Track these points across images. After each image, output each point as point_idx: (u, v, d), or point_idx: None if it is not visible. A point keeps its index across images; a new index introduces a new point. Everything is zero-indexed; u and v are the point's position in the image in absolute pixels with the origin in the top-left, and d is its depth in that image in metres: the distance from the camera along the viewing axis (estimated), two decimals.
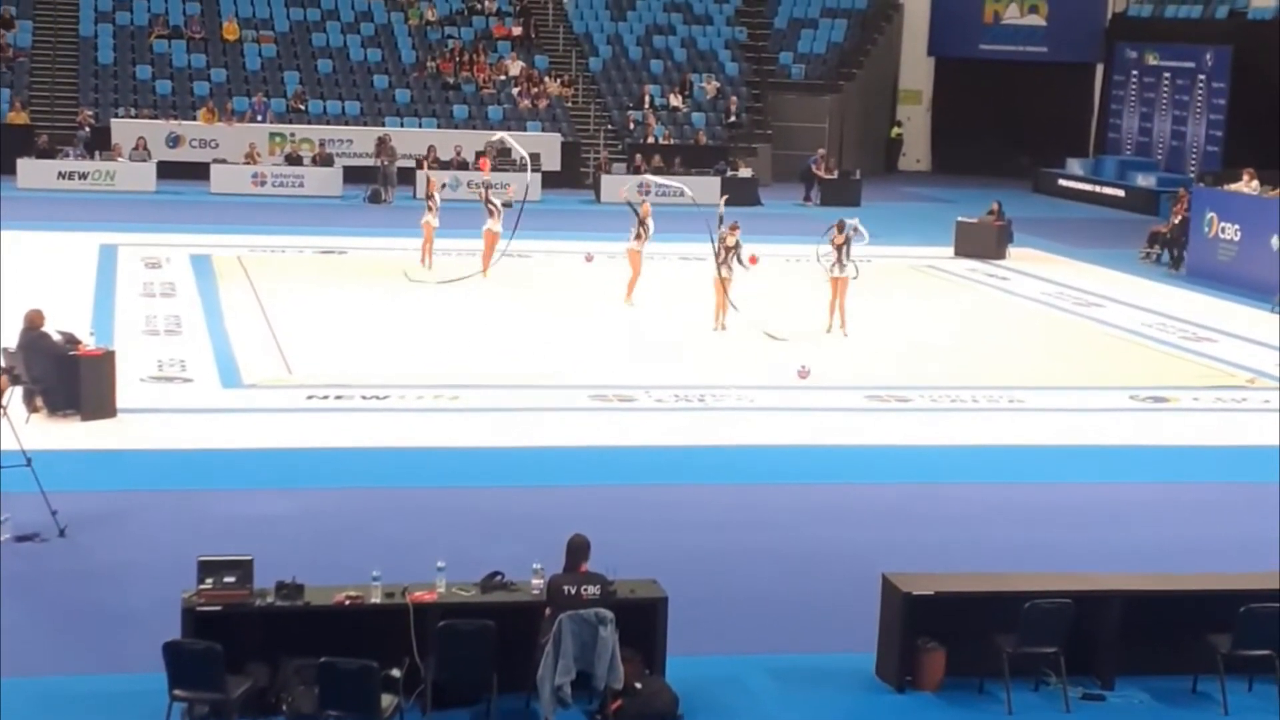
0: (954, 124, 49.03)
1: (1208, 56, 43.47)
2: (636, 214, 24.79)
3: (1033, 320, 25.79)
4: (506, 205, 26.15)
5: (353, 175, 37.60)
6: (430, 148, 38.19)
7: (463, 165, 37.86)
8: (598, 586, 10.48)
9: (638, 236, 24.60)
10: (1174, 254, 31.32)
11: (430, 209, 27.25)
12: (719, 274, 22.85)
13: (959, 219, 32.62)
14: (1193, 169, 42.44)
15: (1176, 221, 31.42)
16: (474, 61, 43.23)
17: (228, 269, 26.80)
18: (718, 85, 44.35)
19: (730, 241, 22.68)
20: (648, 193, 25.50)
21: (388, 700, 9.99)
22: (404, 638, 10.38)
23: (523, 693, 10.56)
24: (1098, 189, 43.24)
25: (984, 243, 31.70)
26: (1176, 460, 17.65)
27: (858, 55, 46.66)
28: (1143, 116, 46.21)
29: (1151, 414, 19.52)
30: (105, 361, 17.37)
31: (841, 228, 22.96)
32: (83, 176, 36.34)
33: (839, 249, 22.81)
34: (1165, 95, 45.26)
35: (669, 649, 10.98)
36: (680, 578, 11.86)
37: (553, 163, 39.68)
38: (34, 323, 17.16)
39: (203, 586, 10.42)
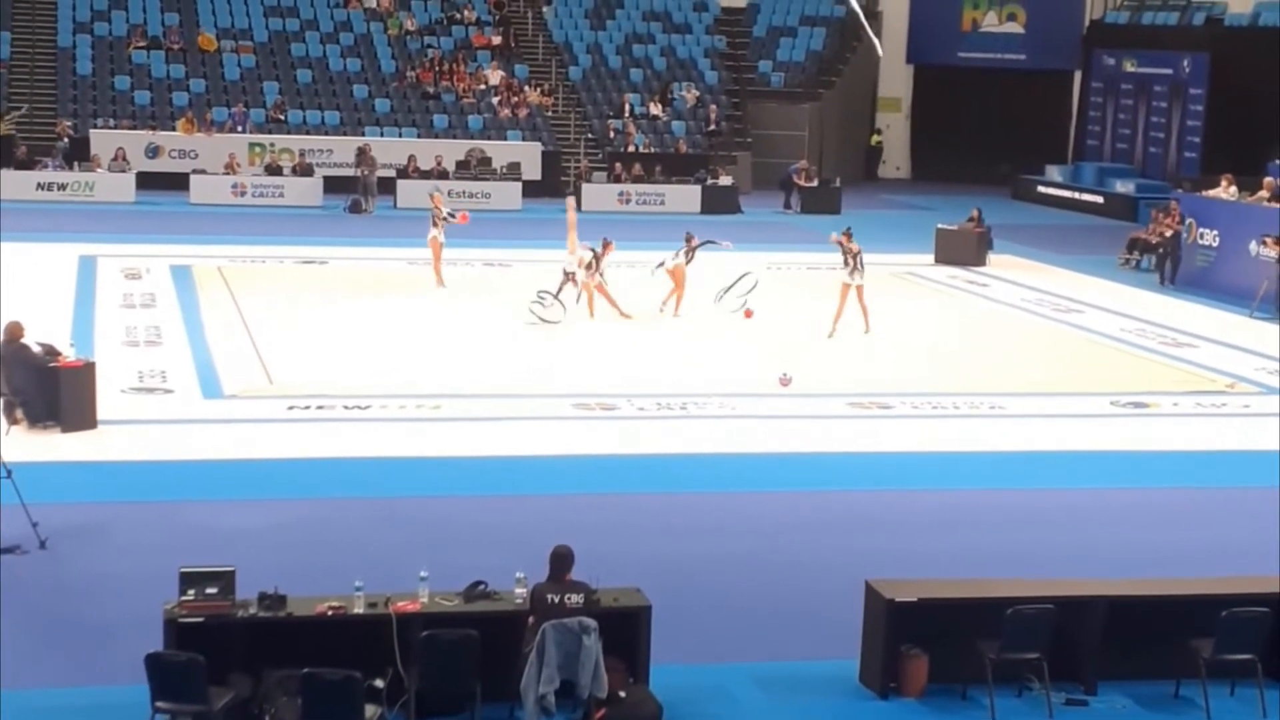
0: (933, 131, 49.13)
1: (1185, 63, 43.64)
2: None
3: (1013, 326, 25.84)
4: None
5: (333, 185, 37.50)
6: (410, 157, 38.20)
7: (443, 175, 37.86)
8: (581, 595, 10.49)
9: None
10: (1167, 267, 30.41)
11: (438, 223, 26.87)
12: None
13: (939, 226, 32.69)
14: (1171, 175, 42.59)
15: (1168, 235, 30.94)
16: (454, 71, 43.22)
17: (208, 279, 26.74)
18: (697, 94, 44.39)
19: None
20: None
21: (371, 711, 9.97)
22: (387, 648, 10.36)
23: (506, 702, 10.56)
24: (1076, 195, 43.34)
25: (964, 249, 31.78)
26: (1157, 465, 17.70)
27: (837, 63, 46.72)
28: (1121, 123, 46.37)
29: (1132, 419, 19.57)
30: (85, 373, 17.30)
31: (850, 236, 23.47)
32: (62, 187, 36.23)
33: (853, 256, 23.25)
34: (1143, 102, 45.43)
35: (653, 657, 10.98)
36: (664, 586, 11.87)
37: (533, 172, 39.70)
38: (13, 334, 17.10)
39: (184, 598, 10.39)
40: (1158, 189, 39.90)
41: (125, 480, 15.69)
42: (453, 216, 26.35)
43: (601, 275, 24.43)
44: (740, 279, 24.68)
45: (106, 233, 31.28)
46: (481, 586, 10.95)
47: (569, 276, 24.41)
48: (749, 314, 23.86)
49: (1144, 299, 28.68)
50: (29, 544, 13.32)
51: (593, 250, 24.28)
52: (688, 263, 24.89)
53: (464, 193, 37.44)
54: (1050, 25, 48.55)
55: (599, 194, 38.25)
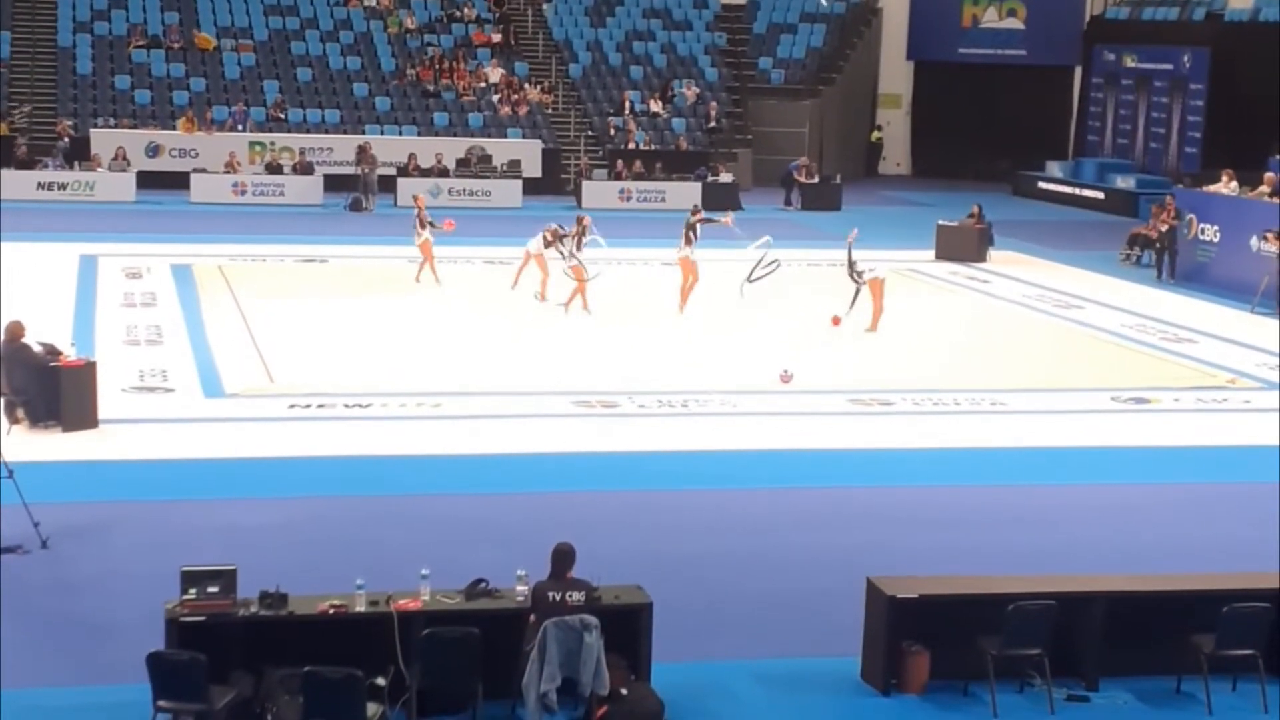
0: (934, 128, 49.11)
1: (1185, 58, 43.61)
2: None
3: (1014, 323, 25.84)
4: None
5: (333, 183, 37.50)
6: (411, 155, 38.19)
7: (444, 173, 37.87)
8: (582, 593, 10.49)
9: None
10: (1166, 262, 30.35)
11: (425, 225, 26.86)
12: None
13: (939, 222, 32.69)
14: (1172, 171, 42.58)
15: (1164, 229, 30.90)
16: (454, 69, 43.21)
17: (208, 278, 26.74)
18: (698, 91, 44.38)
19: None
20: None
21: (373, 709, 9.98)
22: (389, 646, 10.37)
23: (508, 700, 10.56)
24: (1077, 191, 43.33)
25: (965, 246, 31.78)
26: (1158, 461, 17.70)
27: (837, 60, 46.72)
28: (1121, 119, 46.33)
29: (1133, 415, 19.57)
30: (86, 372, 17.31)
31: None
32: (62, 187, 36.23)
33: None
34: (1143, 97, 45.40)
35: (654, 655, 10.98)
36: (665, 583, 11.87)
37: (533, 169, 39.70)
38: (14, 334, 17.11)
39: (186, 597, 10.40)
40: (1158, 184, 39.84)
41: (126, 479, 15.69)
42: (435, 224, 26.34)
43: (578, 256, 24.50)
44: (764, 253, 24.76)
45: (107, 232, 31.28)
46: (483, 584, 10.95)
47: (556, 242, 24.52)
48: (836, 321, 23.65)
49: (1145, 294, 28.66)
50: (31, 543, 13.33)
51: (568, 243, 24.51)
52: (695, 237, 24.75)
53: (464, 190, 37.48)
54: (1050, 21, 48.53)
55: (600, 191, 38.25)
